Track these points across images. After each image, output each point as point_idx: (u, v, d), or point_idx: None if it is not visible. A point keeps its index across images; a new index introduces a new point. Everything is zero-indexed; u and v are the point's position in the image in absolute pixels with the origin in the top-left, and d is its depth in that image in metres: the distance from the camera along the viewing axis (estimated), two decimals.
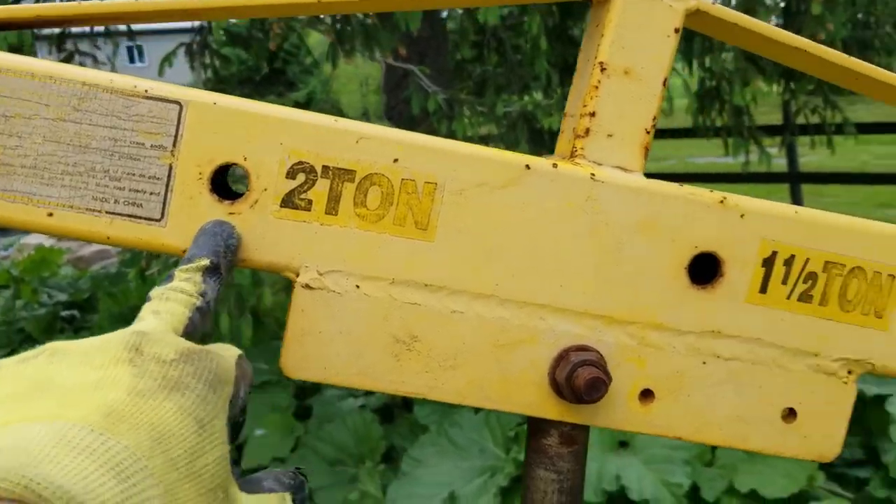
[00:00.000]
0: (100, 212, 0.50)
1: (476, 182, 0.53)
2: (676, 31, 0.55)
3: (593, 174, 0.54)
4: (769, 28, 0.58)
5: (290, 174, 0.51)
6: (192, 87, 0.53)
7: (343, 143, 0.51)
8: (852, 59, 0.59)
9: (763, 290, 0.57)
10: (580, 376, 0.52)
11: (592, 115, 0.55)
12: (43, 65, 0.49)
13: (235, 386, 0.39)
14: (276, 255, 0.52)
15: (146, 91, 0.49)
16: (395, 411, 3.41)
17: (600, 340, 0.55)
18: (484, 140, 4.10)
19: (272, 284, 2.76)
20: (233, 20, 3.28)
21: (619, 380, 0.56)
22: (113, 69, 3.42)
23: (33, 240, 6.91)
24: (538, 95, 4.24)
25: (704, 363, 0.57)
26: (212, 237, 0.48)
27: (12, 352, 1.16)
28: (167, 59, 3.69)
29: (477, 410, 2.87)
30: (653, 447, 2.56)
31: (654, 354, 0.56)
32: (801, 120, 4.85)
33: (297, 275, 0.52)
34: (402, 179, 0.52)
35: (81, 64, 3.34)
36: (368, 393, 3.36)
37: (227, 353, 0.41)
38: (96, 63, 3.70)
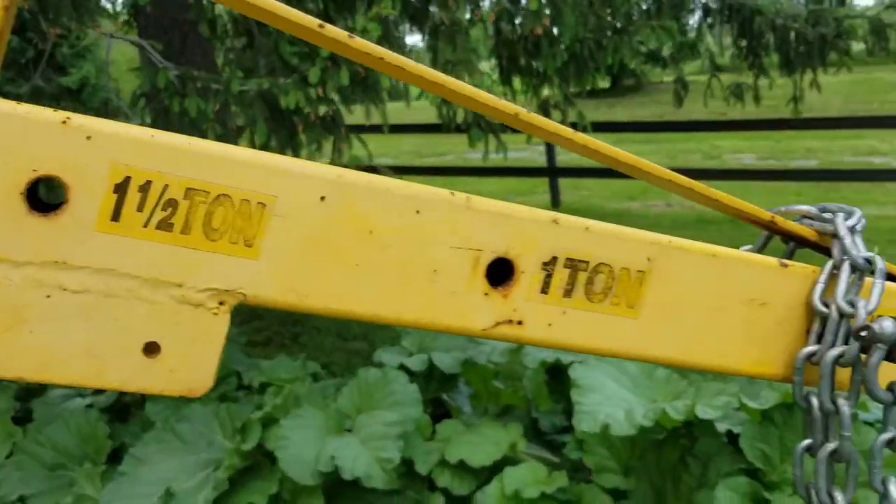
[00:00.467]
0: None
1: None
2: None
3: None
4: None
5: None
6: None
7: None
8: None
9: (115, 217, 0.54)
10: None
11: None
12: None
13: None
14: None
15: None
16: (133, 409, 3.28)
17: None
18: (241, 129, 4.02)
19: None
20: None
21: None
22: None
23: None
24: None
25: (49, 296, 0.53)
26: None
27: None
28: None
29: (206, 403, 2.83)
30: (372, 425, 2.66)
31: None
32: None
33: None
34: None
35: None
36: (97, 392, 3.19)
37: None
38: None
